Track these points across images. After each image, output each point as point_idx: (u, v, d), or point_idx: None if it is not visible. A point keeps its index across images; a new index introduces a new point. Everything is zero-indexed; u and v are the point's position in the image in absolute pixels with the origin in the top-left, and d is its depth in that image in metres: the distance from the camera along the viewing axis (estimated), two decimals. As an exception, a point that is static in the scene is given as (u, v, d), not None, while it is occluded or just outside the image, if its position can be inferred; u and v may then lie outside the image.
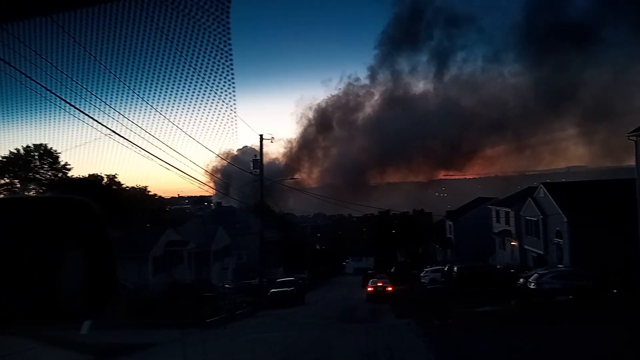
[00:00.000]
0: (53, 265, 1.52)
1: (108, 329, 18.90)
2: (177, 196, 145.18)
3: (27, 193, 41.63)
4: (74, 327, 17.51)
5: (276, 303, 32.88)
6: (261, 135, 36.32)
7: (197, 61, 3.08)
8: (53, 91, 5.19)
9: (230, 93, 3.36)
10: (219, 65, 3.05)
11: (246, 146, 68.65)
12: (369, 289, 36.25)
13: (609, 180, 42.71)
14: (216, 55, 2.95)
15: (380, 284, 36.18)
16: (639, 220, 30.29)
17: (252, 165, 36.89)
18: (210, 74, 3.15)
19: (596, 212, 35.54)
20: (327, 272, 77.83)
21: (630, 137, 31.17)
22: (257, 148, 36.46)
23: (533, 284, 28.01)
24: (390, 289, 35.53)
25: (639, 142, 30.34)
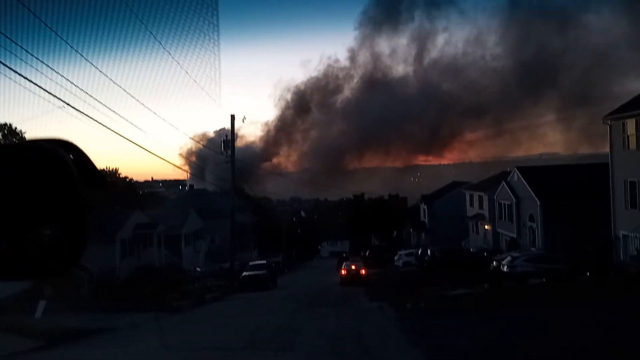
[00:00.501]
0: (19, 220, 1.45)
1: (67, 314, 18.11)
2: (150, 180, 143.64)
3: None
4: (27, 312, 16.69)
5: (248, 287, 32.23)
6: (232, 115, 35.33)
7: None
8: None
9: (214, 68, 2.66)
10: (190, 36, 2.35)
11: (223, 128, 67.41)
12: (343, 272, 35.83)
13: (583, 164, 42.75)
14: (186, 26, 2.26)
15: (354, 267, 35.77)
16: (612, 203, 30.31)
17: (222, 146, 35.80)
18: (182, 45, 2.45)
19: (569, 196, 35.53)
20: (302, 256, 77.60)
21: (605, 121, 31.09)
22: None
23: (506, 267, 27.89)
24: (363, 272, 35.14)
25: (614, 126, 30.27)
